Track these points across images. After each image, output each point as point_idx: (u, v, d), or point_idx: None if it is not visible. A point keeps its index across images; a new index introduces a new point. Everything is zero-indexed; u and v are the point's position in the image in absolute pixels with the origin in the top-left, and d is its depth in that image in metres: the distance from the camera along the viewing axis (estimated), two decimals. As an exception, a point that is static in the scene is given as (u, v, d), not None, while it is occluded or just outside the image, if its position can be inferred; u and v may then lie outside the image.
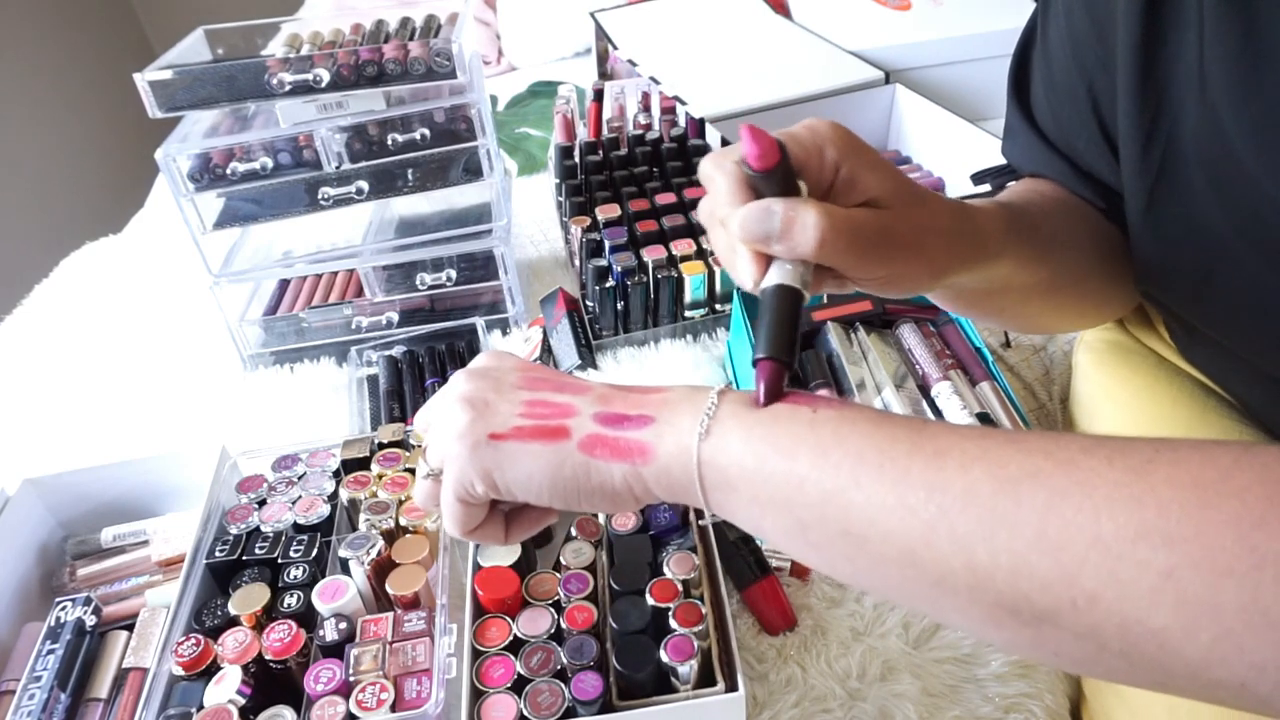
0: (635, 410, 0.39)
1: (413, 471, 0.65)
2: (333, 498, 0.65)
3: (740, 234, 0.38)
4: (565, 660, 0.52)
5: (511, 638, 0.53)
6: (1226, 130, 0.40)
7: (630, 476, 0.38)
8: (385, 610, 0.57)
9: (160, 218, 1.26)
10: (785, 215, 0.37)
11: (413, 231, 0.92)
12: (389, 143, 0.83)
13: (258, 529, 0.62)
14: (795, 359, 0.38)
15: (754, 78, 1.13)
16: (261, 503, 0.64)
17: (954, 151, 1.01)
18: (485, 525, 0.43)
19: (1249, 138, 0.40)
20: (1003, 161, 0.63)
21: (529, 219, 1.11)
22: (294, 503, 0.64)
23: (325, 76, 0.78)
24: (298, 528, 0.63)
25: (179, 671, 0.53)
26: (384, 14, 0.88)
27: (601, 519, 0.60)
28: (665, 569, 0.55)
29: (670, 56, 1.21)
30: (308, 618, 0.56)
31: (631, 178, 0.96)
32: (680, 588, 0.54)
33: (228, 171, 0.82)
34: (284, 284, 0.98)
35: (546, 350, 0.86)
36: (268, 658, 0.54)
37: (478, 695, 0.51)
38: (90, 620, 0.59)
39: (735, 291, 0.77)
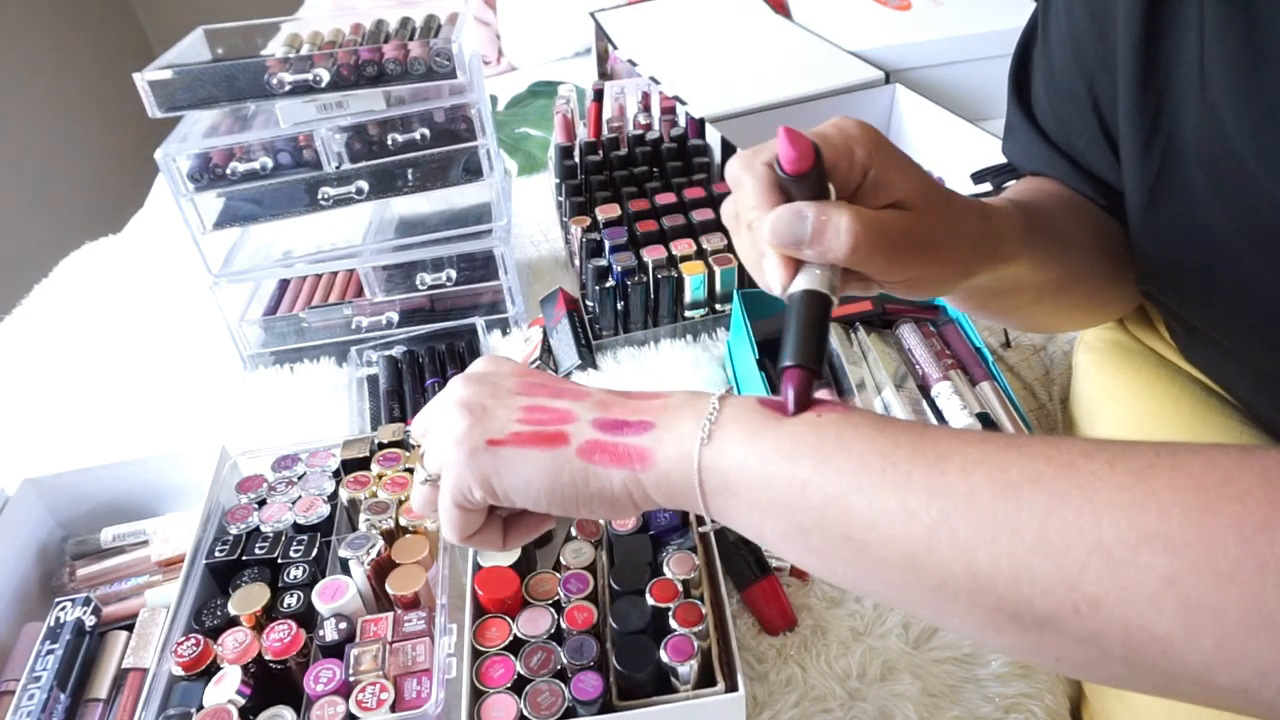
0: (634, 416, 0.39)
1: (413, 471, 0.65)
2: (333, 498, 0.64)
3: (771, 238, 0.38)
4: (565, 660, 0.52)
5: (511, 638, 0.53)
6: (1227, 130, 0.40)
7: (629, 482, 0.38)
8: (385, 610, 0.57)
9: (160, 218, 1.26)
10: (817, 219, 0.37)
11: (413, 231, 0.92)
12: (389, 143, 0.83)
13: (258, 529, 0.62)
14: (823, 366, 0.37)
15: (754, 78, 1.13)
16: (261, 503, 0.64)
17: (954, 151, 1.01)
18: (483, 531, 0.43)
19: (1249, 137, 0.39)
20: (1002, 161, 0.63)
21: (529, 219, 1.10)
22: (294, 503, 0.64)
23: (325, 76, 0.78)
24: (298, 528, 0.63)
25: (179, 672, 0.53)
26: (384, 14, 0.88)
27: (601, 520, 0.60)
28: (665, 569, 0.55)
29: (670, 56, 1.21)
30: (308, 618, 0.56)
31: (631, 178, 0.96)
32: (680, 588, 0.54)
33: (227, 171, 0.82)
34: (284, 284, 0.98)
35: (546, 350, 0.86)
36: (267, 658, 0.54)
37: (478, 695, 0.51)
38: (90, 620, 0.59)
39: (735, 292, 0.77)
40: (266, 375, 0.90)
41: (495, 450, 0.39)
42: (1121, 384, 0.63)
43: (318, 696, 0.51)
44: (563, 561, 0.58)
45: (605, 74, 1.35)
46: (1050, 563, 0.29)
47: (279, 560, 0.60)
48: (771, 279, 0.39)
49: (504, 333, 0.92)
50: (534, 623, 0.54)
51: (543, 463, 0.39)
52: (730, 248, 0.84)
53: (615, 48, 1.27)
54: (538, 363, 0.85)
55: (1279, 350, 0.46)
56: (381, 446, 0.68)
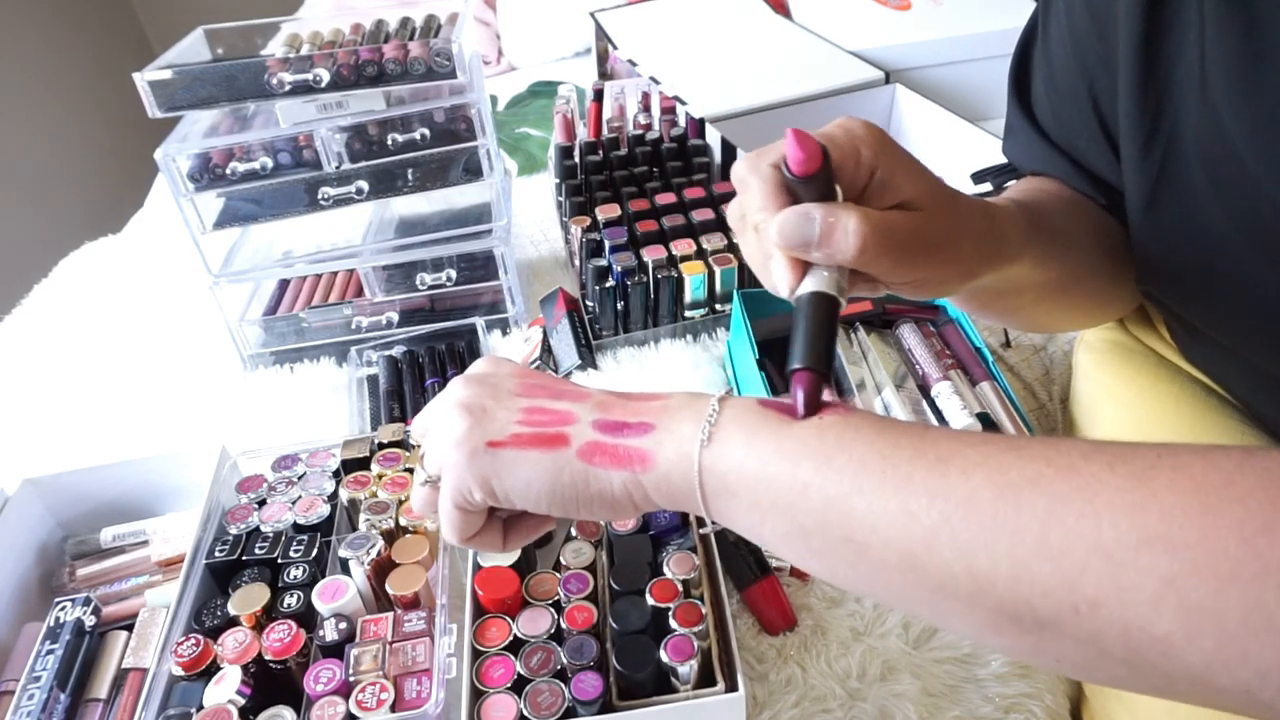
0: (635, 418, 0.39)
1: (413, 471, 0.65)
2: (333, 498, 0.64)
3: (779, 240, 0.37)
4: (565, 660, 0.52)
5: (511, 638, 0.53)
6: (1227, 130, 0.40)
7: (630, 484, 0.38)
8: (385, 610, 0.57)
9: (160, 218, 1.26)
10: (825, 221, 0.36)
11: (413, 231, 0.92)
12: (389, 143, 0.83)
13: (258, 529, 0.62)
14: (832, 368, 0.37)
15: (754, 78, 1.13)
16: (261, 503, 0.64)
17: (954, 151, 1.01)
18: (483, 532, 0.43)
19: (1250, 138, 0.39)
20: (1003, 161, 0.63)
21: (529, 219, 1.10)
22: (294, 503, 0.64)
23: (325, 76, 0.78)
24: (298, 528, 0.62)
25: (179, 672, 0.53)
26: (384, 14, 0.88)
27: (601, 520, 0.60)
28: (665, 569, 0.55)
29: (670, 56, 1.21)
30: (308, 618, 0.56)
31: (631, 178, 0.96)
32: (680, 588, 0.54)
33: (227, 171, 0.82)
34: (284, 284, 0.98)
35: (546, 350, 0.86)
36: (267, 658, 0.53)
37: (478, 695, 0.51)
38: (90, 620, 0.59)
39: (735, 292, 0.77)
40: (266, 375, 0.90)
41: (495, 452, 0.39)
42: (1121, 384, 0.63)
43: (318, 696, 0.51)
44: (563, 561, 0.58)
45: (605, 74, 1.35)
46: (1050, 564, 0.29)
47: (279, 560, 0.60)
48: (779, 281, 0.39)
49: (504, 333, 0.92)
50: (534, 623, 0.54)
51: (543, 464, 0.39)
52: (730, 247, 0.84)
53: (615, 48, 1.27)
54: (538, 363, 0.85)
55: (1279, 350, 0.46)
56: (381, 446, 0.68)
